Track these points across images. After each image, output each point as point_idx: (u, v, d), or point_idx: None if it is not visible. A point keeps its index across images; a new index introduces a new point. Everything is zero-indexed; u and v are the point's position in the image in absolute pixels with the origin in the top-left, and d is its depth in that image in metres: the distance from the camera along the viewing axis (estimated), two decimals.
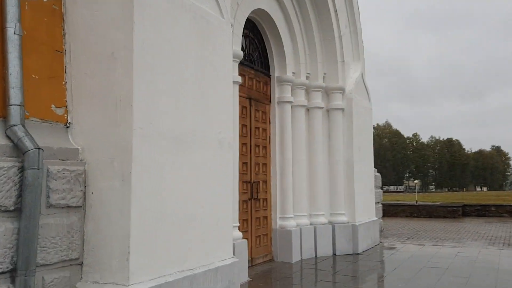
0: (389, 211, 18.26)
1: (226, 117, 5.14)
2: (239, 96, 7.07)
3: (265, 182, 8.18)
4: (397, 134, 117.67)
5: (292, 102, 8.67)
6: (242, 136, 7.41)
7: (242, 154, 7.38)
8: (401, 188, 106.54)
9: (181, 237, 4.27)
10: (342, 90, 9.52)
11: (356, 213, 9.37)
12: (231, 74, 5.33)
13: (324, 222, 8.96)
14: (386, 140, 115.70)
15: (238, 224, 6.65)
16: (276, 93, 8.55)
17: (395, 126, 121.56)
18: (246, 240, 6.84)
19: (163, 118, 4.10)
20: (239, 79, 6.87)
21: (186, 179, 4.37)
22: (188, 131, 4.43)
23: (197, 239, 4.48)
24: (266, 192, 8.21)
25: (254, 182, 7.73)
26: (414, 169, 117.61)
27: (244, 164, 7.49)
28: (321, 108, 9.24)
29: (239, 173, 6.90)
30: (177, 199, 4.23)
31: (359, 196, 9.58)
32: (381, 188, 13.85)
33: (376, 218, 10.64)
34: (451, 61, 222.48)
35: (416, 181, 45.54)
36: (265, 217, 8.12)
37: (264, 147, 8.23)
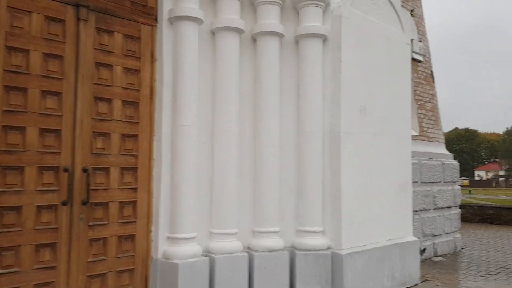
0: (500, 217, 12.52)
1: None
2: None
3: (131, 170, 4.34)
4: None
5: (203, 21, 4.63)
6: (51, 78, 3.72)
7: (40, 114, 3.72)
8: None
9: None
10: (322, 1, 5.13)
11: (344, 231, 4.94)
12: None
13: (276, 247, 4.78)
14: None
15: None
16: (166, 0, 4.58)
17: None
18: None
19: None
20: None
21: None
22: None
23: None
24: (136, 190, 4.36)
25: (84, 169, 3.96)
26: None
27: (47, 134, 3.79)
28: (279, 35, 4.99)
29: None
30: None
31: (355, 200, 5.11)
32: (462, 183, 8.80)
33: (413, 239, 5.92)
34: None
35: None
36: (129, 237, 4.30)
37: (133, 105, 4.38)
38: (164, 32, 4.52)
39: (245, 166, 4.88)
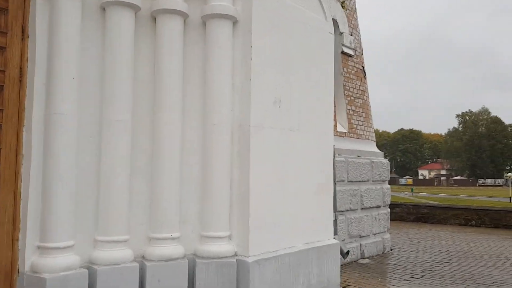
0: (433, 216, 12.56)
1: None
2: None
3: None
4: (496, 120, 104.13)
5: None
6: None
7: None
8: (500, 181, 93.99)
9: None
10: None
11: (252, 235, 4.44)
12: None
13: (173, 255, 4.19)
14: (483, 128, 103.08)
15: None
16: None
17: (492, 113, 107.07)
18: None
19: None
20: None
21: None
22: None
23: None
24: None
25: None
26: None
27: None
28: (182, 14, 4.41)
29: None
30: None
31: (266, 201, 4.61)
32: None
33: (333, 241, 5.52)
34: None
35: (510, 174, 37.18)
36: None
37: None
38: (38, 3, 3.82)
39: (140, 163, 4.26)
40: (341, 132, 7.40)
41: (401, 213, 13.02)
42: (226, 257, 4.36)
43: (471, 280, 5.96)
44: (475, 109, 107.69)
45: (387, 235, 8.05)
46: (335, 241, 5.56)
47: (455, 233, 10.73)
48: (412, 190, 49.08)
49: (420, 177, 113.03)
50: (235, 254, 4.42)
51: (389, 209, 8.31)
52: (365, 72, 8.46)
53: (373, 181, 7.70)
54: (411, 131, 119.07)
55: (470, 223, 11.87)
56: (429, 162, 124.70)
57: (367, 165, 7.53)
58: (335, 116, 7.36)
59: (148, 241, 4.25)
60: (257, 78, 4.58)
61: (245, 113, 4.54)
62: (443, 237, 10.05)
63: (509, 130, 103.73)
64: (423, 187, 72.96)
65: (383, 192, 7.94)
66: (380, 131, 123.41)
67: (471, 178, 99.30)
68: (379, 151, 8.30)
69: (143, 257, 4.21)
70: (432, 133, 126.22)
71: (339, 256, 5.56)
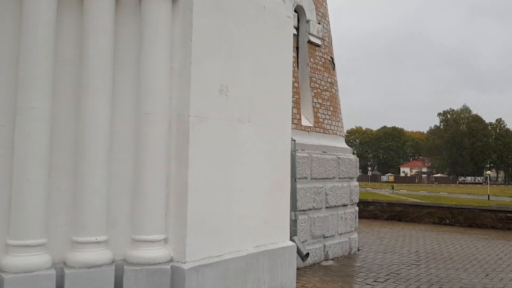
0: (407, 214, 12.25)
1: None
2: None
3: None
4: (477, 119, 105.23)
5: None
6: None
7: None
8: (480, 179, 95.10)
9: None
10: None
11: (190, 238, 3.96)
12: None
13: (97, 262, 3.69)
14: (464, 126, 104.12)
15: None
16: None
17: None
18: None
19: None
20: None
21: None
22: None
23: None
24: None
25: None
26: (496, 159, 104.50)
27: None
28: None
29: None
30: None
31: (208, 200, 4.14)
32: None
33: (289, 244, 5.06)
34: None
35: (489, 172, 37.43)
36: None
37: None
38: None
39: (61, 157, 3.75)
40: (305, 126, 6.96)
41: (375, 211, 12.68)
42: (159, 263, 3.87)
43: (437, 285, 5.59)
44: (455, 107, 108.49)
45: (354, 235, 7.66)
46: (291, 243, 5.11)
47: (428, 232, 10.41)
48: (392, 187, 49.13)
49: (402, 174, 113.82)
50: (171, 260, 3.95)
51: (357, 208, 7.91)
52: (334, 64, 8.03)
53: (339, 178, 7.28)
54: (394, 128, 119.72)
55: (444, 221, 11.58)
56: (411, 159, 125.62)
57: (333, 162, 7.11)
58: (299, 109, 6.91)
59: (70, 245, 3.75)
60: (199, 62, 4.09)
61: (185, 102, 4.05)
62: (414, 236, 9.72)
63: (489, 128, 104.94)
64: (404, 184, 73.31)
65: (351, 190, 7.53)
66: (364, 128, 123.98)
67: (452, 176, 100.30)
68: (347, 146, 7.89)
69: (64, 263, 3.71)
70: (414, 131, 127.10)
71: (295, 259, 5.12)
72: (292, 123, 6.50)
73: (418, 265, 6.74)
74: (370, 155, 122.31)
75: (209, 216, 4.14)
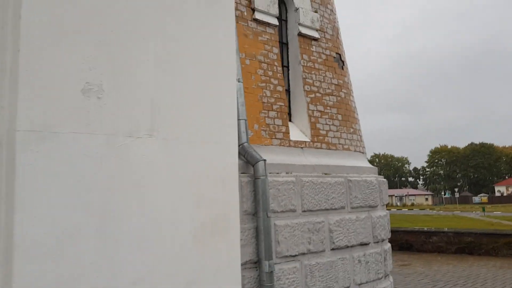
0: (480, 246, 9.74)
1: None
2: None
3: None
4: None
5: None
6: None
7: None
8: None
9: None
10: None
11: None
12: None
13: None
14: None
15: None
16: None
17: None
18: None
19: None
20: None
21: None
22: None
23: None
24: None
25: None
26: None
27: None
28: None
29: None
30: None
31: (59, 257, 2.63)
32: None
33: None
34: None
35: None
36: None
37: None
38: None
39: None
40: (296, 142, 5.29)
41: (440, 243, 10.30)
42: None
43: None
44: None
45: (385, 283, 5.67)
46: None
47: (503, 270, 7.96)
48: (483, 209, 44.09)
49: (497, 194, 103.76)
50: None
51: (388, 246, 5.94)
52: (343, 61, 6.30)
53: (352, 208, 5.43)
54: (482, 145, 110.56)
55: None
56: (507, 177, 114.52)
57: (339, 186, 5.29)
58: (284, 119, 5.27)
59: None
60: (35, 49, 2.70)
61: (11, 110, 2.66)
62: (482, 277, 7.37)
63: None
64: (499, 205, 66.27)
65: (373, 223, 5.62)
66: (449, 146, 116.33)
67: None
68: (366, 165, 6.02)
69: None
70: (506, 145, 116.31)
71: None
72: (274, 138, 4.88)
73: None
74: (459, 174, 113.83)
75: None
